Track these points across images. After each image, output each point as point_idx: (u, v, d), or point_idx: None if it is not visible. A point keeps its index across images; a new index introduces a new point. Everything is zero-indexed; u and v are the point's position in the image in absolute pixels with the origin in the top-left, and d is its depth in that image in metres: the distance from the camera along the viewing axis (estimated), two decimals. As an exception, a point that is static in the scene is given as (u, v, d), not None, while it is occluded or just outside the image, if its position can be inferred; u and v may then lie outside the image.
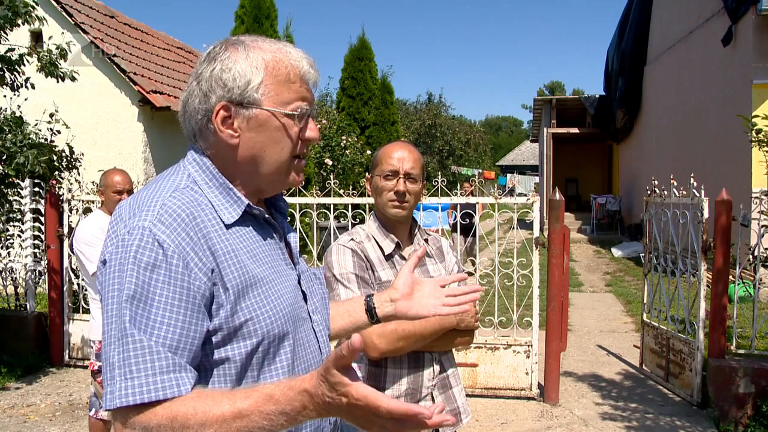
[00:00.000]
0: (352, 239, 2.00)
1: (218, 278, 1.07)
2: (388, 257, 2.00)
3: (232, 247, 1.11)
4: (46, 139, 5.52)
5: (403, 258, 2.03)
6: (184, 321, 1.03)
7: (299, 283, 1.26)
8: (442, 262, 2.12)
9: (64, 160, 5.77)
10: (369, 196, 5.35)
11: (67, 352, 5.87)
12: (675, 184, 5.15)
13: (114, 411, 1.00)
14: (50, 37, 5.76)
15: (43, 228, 6.00)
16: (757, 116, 5.00)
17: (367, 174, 2.04)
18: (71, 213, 5.93)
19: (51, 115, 5.73)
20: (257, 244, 1.18)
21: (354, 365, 1.66)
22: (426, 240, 2.11)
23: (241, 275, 1.10)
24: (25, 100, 5.72)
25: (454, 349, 2.10)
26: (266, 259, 1.17)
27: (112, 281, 1.03)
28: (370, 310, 1.48)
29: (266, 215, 1.22)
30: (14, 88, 5.39)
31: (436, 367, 2.00)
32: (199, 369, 1.07)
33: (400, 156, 1.98)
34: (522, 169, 39.60)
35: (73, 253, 5.87)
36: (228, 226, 1.13)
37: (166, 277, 1.02)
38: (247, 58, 1.15)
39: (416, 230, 2.11)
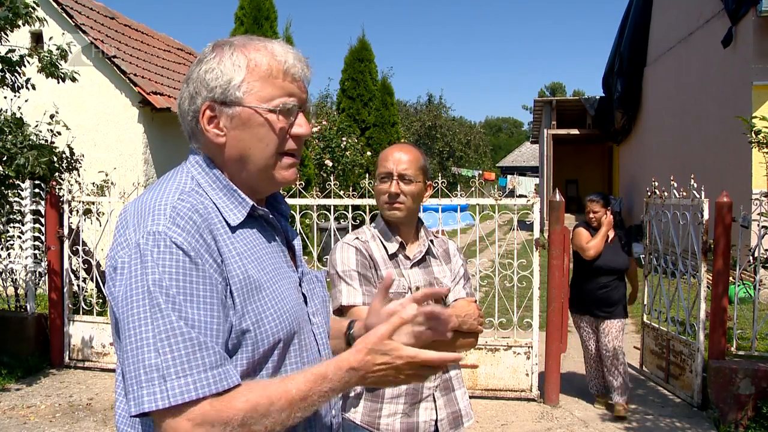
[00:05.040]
0: (357, 238, 2.04)
1: (226, 280, 1.08)
2: (392, 256, 2.03)
3: (237, 250, 1.12)
4: (46, 141, 5.52)
5: (407, 258, 2.05)
6: (214, 316, 1.04)
7: (300, 285, 1.27)
8: (448, 264, 2.13)
9: (65, 161, 5.77)
10: (369, 197, 5.36)
11: (68, 353, 5.87)
12: (675, 185, 5.15)
13: (174, 410, 0.97)
14: (51, 38, 5.77)
15: (43, 229, 6.00)
16: (756, 117, 4.99)
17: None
18: (71, 214, 5.93)
19: (51, 117, 5.73)
20: (261, 247, 1.18)
21: None
22: (432, 241, 2.12)
23: (246, 278, 1.10)
24: (26, 101, 5.72)
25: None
26: (269, 261, 1.18)
27: (135, 286, 1.02)
28: (349, 337, 1.45)
29: (270, 216, 1.23)
30: (15, 89, 5.40)
31: None
32: None
33: (395, 158, 2.02)
34: (522, 171, 39.57)
35: (74, 254, 5.90)
36: (233, 229, 1.14)
37: (189, 277, 1.03)
38: (230, 57, 1.16)
39: (422, 231, 2.12)
